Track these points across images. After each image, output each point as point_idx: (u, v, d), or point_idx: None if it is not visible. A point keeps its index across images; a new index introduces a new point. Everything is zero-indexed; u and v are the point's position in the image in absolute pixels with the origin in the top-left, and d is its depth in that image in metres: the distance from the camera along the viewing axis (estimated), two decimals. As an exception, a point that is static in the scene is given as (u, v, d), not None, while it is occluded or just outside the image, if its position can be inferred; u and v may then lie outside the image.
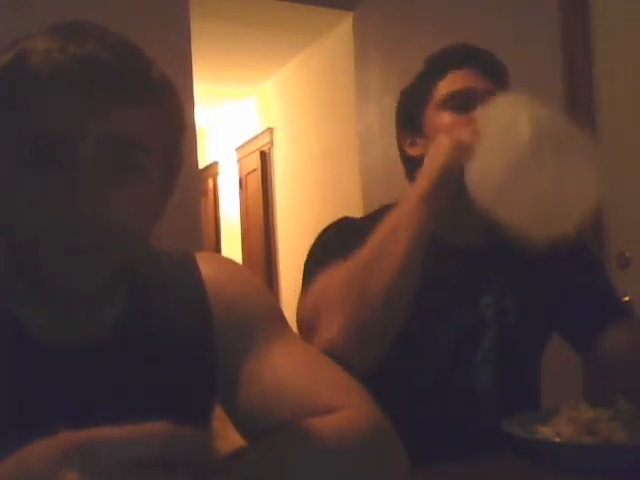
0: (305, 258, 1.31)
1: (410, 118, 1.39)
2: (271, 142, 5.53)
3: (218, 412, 0.87)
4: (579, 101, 2.35)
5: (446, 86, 1.34)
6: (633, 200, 2.22)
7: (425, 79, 1.39)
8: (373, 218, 1.32)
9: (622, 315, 1.30)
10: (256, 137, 5.75)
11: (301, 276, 1.28)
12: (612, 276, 2.29)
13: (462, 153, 1.13)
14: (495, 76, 1.39)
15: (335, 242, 1.29)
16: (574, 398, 1.03)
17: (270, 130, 5.52)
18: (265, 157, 5.62)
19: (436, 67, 1.38)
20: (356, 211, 3.83)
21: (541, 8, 2.47)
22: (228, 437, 0.94)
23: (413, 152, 1.37)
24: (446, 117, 1.32)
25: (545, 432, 0.98)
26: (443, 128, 1.30)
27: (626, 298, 2.24)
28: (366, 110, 3.60)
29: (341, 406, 0.74)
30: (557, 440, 0.95)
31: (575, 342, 1.33)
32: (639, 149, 2.20)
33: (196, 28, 2.92)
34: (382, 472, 0.72)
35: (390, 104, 3.60)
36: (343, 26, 4.13)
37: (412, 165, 1.36)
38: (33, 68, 0.68)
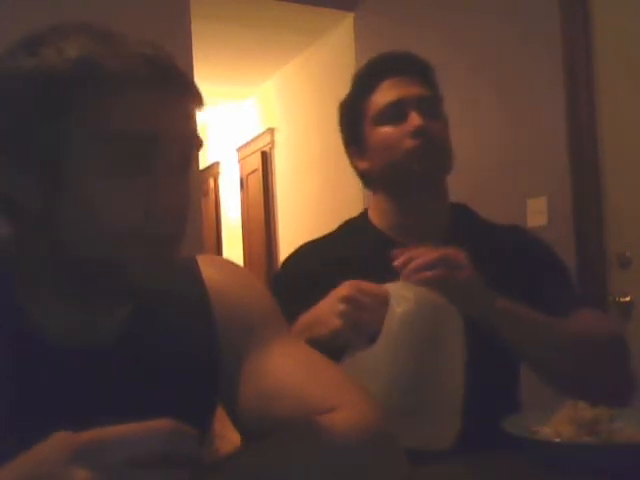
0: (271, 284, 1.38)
1: (352, 134, 1.44)
2: (272, 142, 5.53)
3: (218, 412, 0.87)
4: (579, 101, 2.34)
5: (377, 100, 1.37)
6: (633, 200, 2.22)
7: (357, 95, 1.42)
8: (335, 237, 1.44)
9: (578, 306, 1.32)
10: (257, 137, 5.75)
11: None
12: (612, 276, 2.30)
13: (353, 329, 1.10)
14: (423, 76, 1.41)
15: (291, 278, 1.37)
16: (575, 396, 1.03)
17: (271, 130, 5.52)
18: (266, 157, 5.61)
19: (365, 82, 1.42)
20: (357, 212, 3.81)
21: (541, 8, 2.47)
22: (228, 437, 0.94)
23: (362, 166, 1.42)
24: (383, 131, 1.36)
25: (545, 432, 0.98)
26: (382, 142, 1.35)
27: (627, 298, 2.24)
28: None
29: (341, 406, 0.74)
30: (557, 440, 0.95)
31: None
32: (639, 149, 2.19)
33: (197, 28, 2.92)
34: (382, 472, 0.72)
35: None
36: (344, 26, 4.13)
37: (365, 176, 1.44)
38: (109, 69, 0.67)
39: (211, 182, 6.80)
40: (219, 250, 6.51)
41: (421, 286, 1.09)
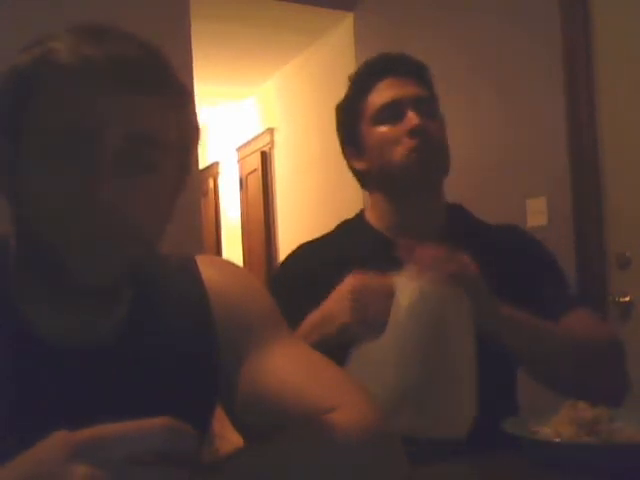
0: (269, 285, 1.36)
1: (350, 135, 1.44)
2: (272, 142, 5.52)
3: (218, 412, 0.87)
4: (579, 101, 2.34)
5: (374, 101, 1.38)
6: (633, 200, 2.22)
7: (354, 96, 1.43)
8: (332, 237, 1.45)
9: (573, 306, 1.32)
10: (257, 137, 5.75)
11: None
12: (612, 276, 2.30)
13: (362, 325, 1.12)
14: (418, 76, 1.42)
15: (289, 280, 1.36)
16: (574, 398, 1.03)
17: (271, 130, 5.52)
18: (266, 157, 5.61)
19: (361, 82, 1.43)
20: (356, 211, 3.81)
21: (541, 8, 2.47)
22: (228, 437, 0.94)
23: (360, 166, 1.43)
24: (380, 131, 1.36)
25: (545, 432, 0.98)
26: (379, 142, 1.36)
27: (626, 298, 2.24)
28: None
29: (341, 406, 0.74)
30: (557, 440, 0.95)
31: None
32: (639, 149, 2.19)
33: (196, 28, 2.92)
34: (382, 471, 0.72)
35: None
36: (343, 26, 4.13)
37: (362, 177, 1.45)
38: (62, 61, 0.69)
39: (210, 182, 6.80)
40: (219, 250, 6.51)
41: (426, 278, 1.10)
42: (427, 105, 1.38)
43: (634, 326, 2.20)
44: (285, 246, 5.33)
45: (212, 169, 6.77)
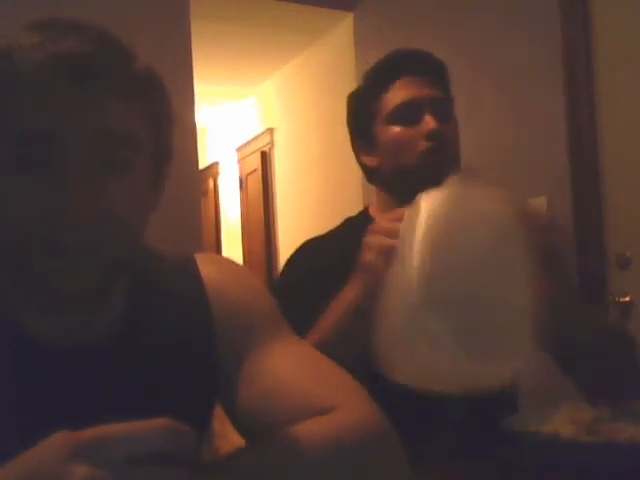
0: (275, 282, 1.38)
1: (361, 130, 1.41)
2: (272, 142, 5.52)
3: (218, 412, 0.87)
4: (579, 101, 2.34)
5: (390, 99, 1.35)
6: (633, 200, 2.22)
7: (369, 91, 1.39)
8: (337, 234, 1.43)
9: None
10: (256, 137, 5.75)
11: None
12: (612, 276, 2.30)
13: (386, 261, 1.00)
14: (437, 76, 1.40)
15: (299, 273, 1.36)
16: (574, 398, 1.03)
17: (270, 130, 5.52)
18: (266, 157, 5.61)
19: (378, 78, 1.39)
20: (356, 211, 3.81)
21: (541, 8, 2.47)
22: (228, 437, 0.94)
23: (370, 162, 1.41)
24: (395, 132, 1.34)
25: (545, 432, 0.98)
26: (394, 142, 1.34)
27: (626, 298, 2.24)
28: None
29: (341, 406, 0.74)
30: (557, 440, 0.95)
31: None
32: (639, 149, 2.19)
33: (196, 28, 2.92)
34: (382, 471, 0.72)
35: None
36: (343, 26, 4.13)
37: (370, 173, 1.44)
38: (14, 66, 0.67)
39: (210, 182, 6.80)
40: (218, 250, 6.51)
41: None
42: (443, 107, 1.36)
43: (634, 326, 2.20)
44: (285, 246, 5.33)
45: (212, 169, 6.77)
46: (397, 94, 1.35)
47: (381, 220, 1.06)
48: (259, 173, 5.62)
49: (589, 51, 2.32)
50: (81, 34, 0.69)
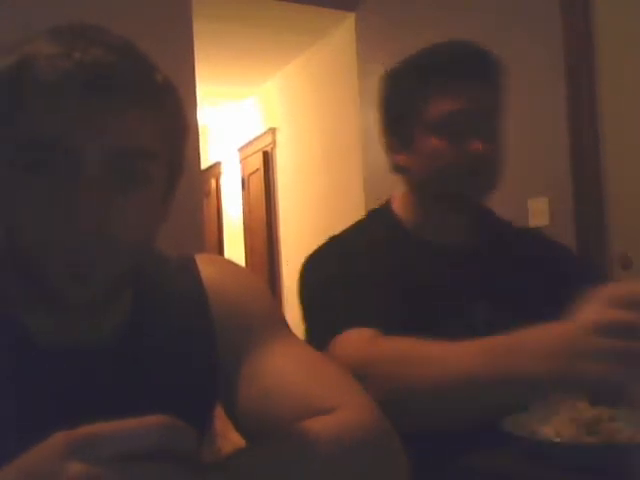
0: (302, 288, 1.23)
1: (398, 130, 1.29)
2: (273, 142, 5.53)
3: (218, 412, 0.87)
4: (580, 101, 2.34)
5: (436, 106, 1.20)
6: (635, 201, 2.22)
7: (412, 89, 1.24)
8: (363, 235, 1.29)
9: None
10: (258, 137, 5.76)
11: (299, 296, 1.23)
12: (614, 276, 2.30)
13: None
14: (491, 80, 1.25)
15: (334, 272, 1.20)
16: (574, 398, 1.03)
17: (272, 130, 5.52)
18: (267, 157, 5.62)
19: (424, 77, 1.23)
20: (359, 211, 3.81)
21: (541, 8, 2.47)
22: (230, 437, 0.94)
23: (401, 162, 1.29)
24: (437, 144, 1.21)
25: (545, 432, 0.98)
26: (433, 154, 1.21)
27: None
28: (369, 110, 3.60)
29: (341, 406, 0.74)
30: (557, 440, 0.95)
31: None
32: (641, 149, 2.19)
33: (198, 28, 2.92)
34: (382, 472, 0.72)
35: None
36: (345, 26, 4.13)
37: (400, 170, 1.31)
38: (38, 74, 0.66)
39: (212, 182, 6.80)
40: (220, 250, 6.52)
41: None
42: (492, 120, 1.24)
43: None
44: (287, 246, 5.34)
45: (214, 169, 6.78)
46: (444, 102, 1.20)
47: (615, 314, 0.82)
48: (261, 173, 5.63)
49: (590, 51, 2.32)
50: (106, 44, 0.68)
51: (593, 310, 0.84)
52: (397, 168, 1.31)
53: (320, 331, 1.13)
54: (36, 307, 0.74)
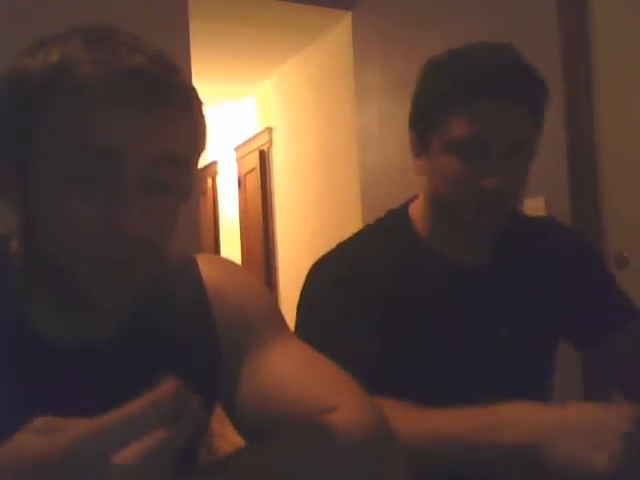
0: (309, 298, 1.17)
1: (420, 132, 1.18)
2: (270, 141, 5.53)
3: (218, 412, 0.87)
4: (578, 100, 2.35)
5: (462, 125, 1.08)
6: (631, 200, 2.22)
7: (441, 95, 1.12)
8: (375, 246, 1.19)
9: (630, 317, 1.25)
10: (255, 136, 5.76)
11: (300, 298, 1.18)
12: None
13: None
14: (530, 107, 1.13)
15: (347, 286, 1.13)
16: (574, 398, 1.03)
17: (269, 129, 5.52)
18: (264, 156, 5.62)
19: (457, 85, 1.09)
20: (355, 211, 3.83)
21: (540, 9, 2.48)
22: (228, 437, 0.94)
23: (419, 166, 1.20)
24: (451, 163, 1.10)
25: None
26: (447, 174, 1.12)
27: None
28: (365, 109, 3.61)
29: (341, 406, 0.74)
30: None
31: (580, 344, 1.30)
32: (638, 149, 2.20)
33: (195, 28, 2.92)
34: (382, 472, 0.72)
35: (389, 103, 3.60)
36: (342, 25, 4.13)
37: (420, 174, 1.21)
38: (83, 77, 0.66)
39: (209, 181, 6.80)
40: (217, 249, 6.52)
41: None
42: (519, 153, 1.11)
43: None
44: (283, 245, 5.34)
45: (210, 168, 6.77)
46: (470, 122, 1.07)
47: None
48: (257, 172, 5.63)
49: (588, 51, 2.33)
50: (144, 51, 0.69)
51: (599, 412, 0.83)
52: (418, 171, 1.21)
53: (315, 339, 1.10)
54: (43, 300, 0.75)
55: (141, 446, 0.49)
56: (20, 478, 0.48)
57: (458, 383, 1.14)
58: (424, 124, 1.15)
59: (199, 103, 0.75)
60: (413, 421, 0.93)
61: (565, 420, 0.83)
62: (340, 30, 4.22)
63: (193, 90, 0.75)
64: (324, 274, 1.18)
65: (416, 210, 1.24)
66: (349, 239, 1.25)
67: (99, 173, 0.67)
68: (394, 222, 1.25)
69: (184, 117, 0.72)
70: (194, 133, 0.74)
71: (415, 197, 1.28)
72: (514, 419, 0.86)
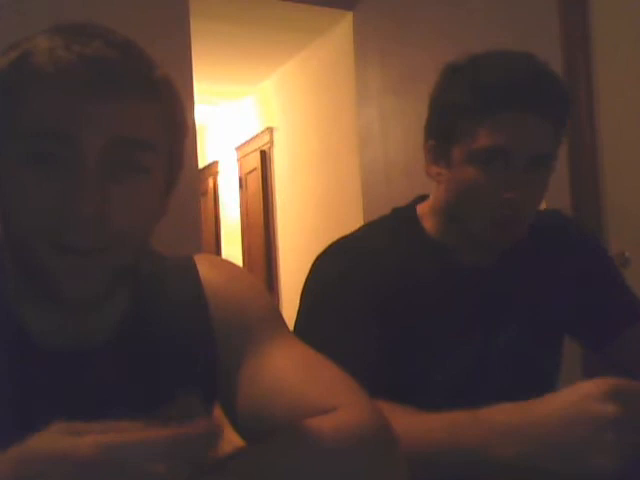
0: (312, 292, 1.15)
1: (437, 140, 1.15)
2: (271, 141, 5.53)
3: (217, 412, 0.87)
4: (579, 101, 2.35)
5: (486, 136, 1.06)
6: (632, 200, 2.22)
7: (463, 104, 1.09)
8: (380, 241, 1.18)
9: (638, 315, 1.24)
10: (256, 136, 5.76)
11: (303, 291, 1.17)
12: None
13: None
14: (553, 119, 1.10)
15: (348, 283, 1.11)
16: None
17: (270, 129, 5.52)
18: (265, 156, 5.62)
19: (481, 96, 1.07)
20: (356, 210, 3.83)
21: (540, 8, 2.47)
22: (228, 437, 0.94)
23: (433, 173, 1.17)
24: (471, 174, 1.09)
25: None
26: (464, 185, 1.10)
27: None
28: (366, 109, 3.60)
29: (341, 406, 0.74)
30: None
31: (589, 344, 1.30)
32: (639, 148, 2.19)
33: (196, 27, 2.92)
34: (382, 472, 0.72)
35: (390, 103, 3.60)
36: (343, 25, 4.13)
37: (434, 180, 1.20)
38: (37, 65, 0.68)
39: (210, 181, 6.80)
40: (218, 249, 6.52)
41: None
42: (541, 167, 1.12)
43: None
44: (285, 245, 5.34)
45: (211, 168, 6.77)
46: (494, 133, 1.05)
47: None
48: (258, 172, 5.63)
49: (588, 50, 2.32)
50: (106, 39, 0.70)
51: (579, 400, 0.76)
52: (432, 178, 1.19)
53: (315, 333, 1.06)
54: (34, 305, 0.74)
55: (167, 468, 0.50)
56: (53, 476, 0.49)
57: (461, 383, 1.14)
58: (444, 132, 1.13)
59: (170, 91, 0.75)
60: (410, 424, 0.91)
61: (546, 418, 0.78)
62: (341, 30, 4.22)
63: (163, 79, 0.74)
64: (328, 267, 1.17)
65: (426, 213, 1.22)
66: (353, 233, 1.24)
67: (56, 158, 0.68)
68: (402, 220, 1.23)
69: (145, 102, 0.72)
70: (162, 119, 0.74)
71: (421, 197, 1.26)
72: (504, 430, 0.81)
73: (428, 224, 1.21)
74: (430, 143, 1.16)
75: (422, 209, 1.23)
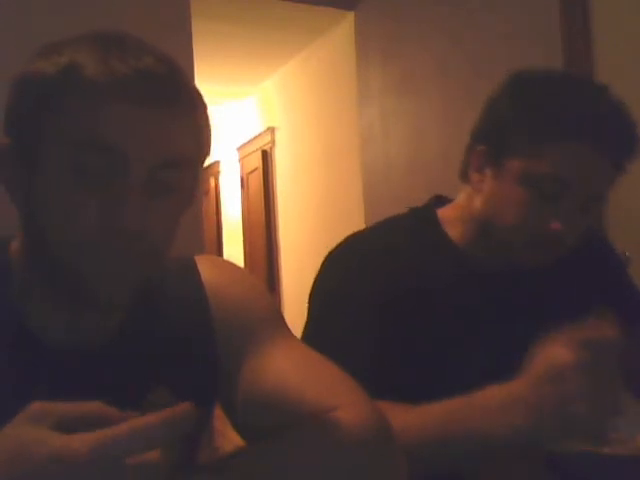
0: (324, 289, 1.15)
1: (491, 149, 1.11)
2: (272, 141, 5.53)
3: (218, 412, 0.87)
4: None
5: (551, 164, 1.03)
6: (633, 200, 2.22)
7: (533, 128, 1.04)
8: (398, 240, 1.16)
9: None
10: (257, 136, 5.76)
11: (314, 286, 1.16)
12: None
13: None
14: (618, 167, 1.10)
15: (358, 279, 1.10)
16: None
17: (271, 129, 5.52)
18: (266, 156, 5.62)
19: (552, 124, 1.03)
20: (358, 210, 3.82)
21: (541, 7, 2.47)
22: (229, 436, 0.94)
23: (474, 179, 1.14)
24: (521, 197, 1.05)
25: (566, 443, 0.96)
26: (510, 204, 1.07)
27: (627, 297, 2.24)
28: (367, 109, 3.60)
29: (341, 406, 0.74)
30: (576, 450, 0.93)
31: None
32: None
33: (197, 27, 2.92)
34: (382, 471, 0.72)
35: (392, 103, 3.60)
36: (344, 25, 4.13)
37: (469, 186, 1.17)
38: (91, 75, 0.67)
39: (211, 181, 6.80)
40: (219, 249, 6.52)
41: None
42: (591, 205, 1.10)
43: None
44: (286, 245, 5.34)
45: (213, 168, 6.77)
46: (556, 162, 1.02)
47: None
48: (260, 172, 5.63)
49: (589, 50, 2.32)
50: (153, 53, 0.70)
51: (546, 358, 0.82)
52: (469, 183, 1.15)
53: (326, 328, 1.09)
54: (45, 302, 0.75)
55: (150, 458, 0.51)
56: (40, 472, 0.49)
57: (472, 387, 1.13)
58: (500, 142, 1.09)
59: (203, 106, 0.76)
60: (411, 419, 0.93)
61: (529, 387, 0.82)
62: (342, 30, 4.22)
63: (198, 93, 0.75)
64: (340, 264, 1.16)
65: (451, 218, 1.19)
66: (366, 230, 1.23)
67: (99, 171, 0.68)
68: (420, 220, 1.21)
69: (189, 119, 0.72)
70: (199, 136, 0.75)
71: (438, 199, 1.25)
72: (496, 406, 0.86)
73: (453, 230, 1.18)
74: (480, 149, 1.12)
75: (445, 213, 1.20)
